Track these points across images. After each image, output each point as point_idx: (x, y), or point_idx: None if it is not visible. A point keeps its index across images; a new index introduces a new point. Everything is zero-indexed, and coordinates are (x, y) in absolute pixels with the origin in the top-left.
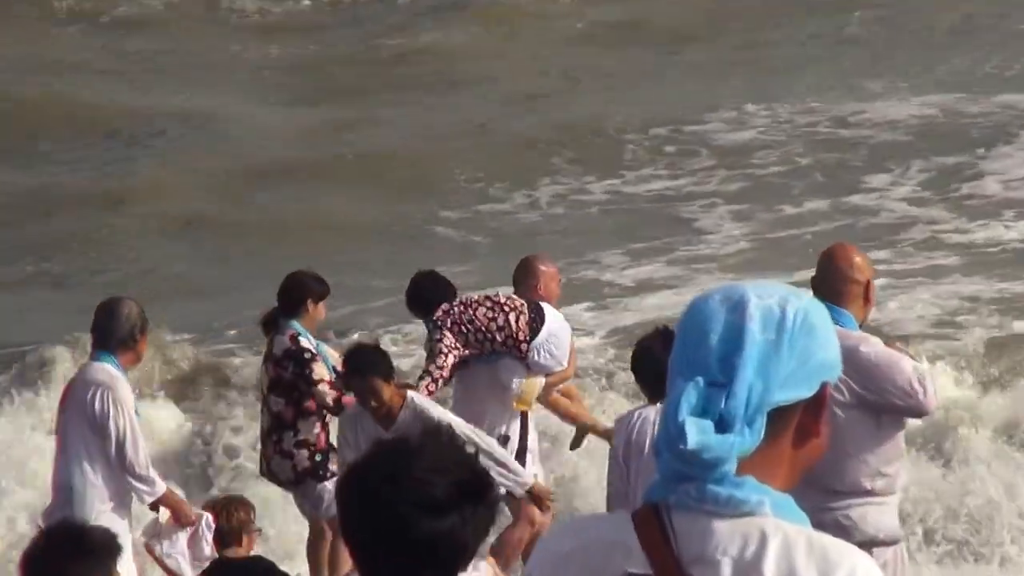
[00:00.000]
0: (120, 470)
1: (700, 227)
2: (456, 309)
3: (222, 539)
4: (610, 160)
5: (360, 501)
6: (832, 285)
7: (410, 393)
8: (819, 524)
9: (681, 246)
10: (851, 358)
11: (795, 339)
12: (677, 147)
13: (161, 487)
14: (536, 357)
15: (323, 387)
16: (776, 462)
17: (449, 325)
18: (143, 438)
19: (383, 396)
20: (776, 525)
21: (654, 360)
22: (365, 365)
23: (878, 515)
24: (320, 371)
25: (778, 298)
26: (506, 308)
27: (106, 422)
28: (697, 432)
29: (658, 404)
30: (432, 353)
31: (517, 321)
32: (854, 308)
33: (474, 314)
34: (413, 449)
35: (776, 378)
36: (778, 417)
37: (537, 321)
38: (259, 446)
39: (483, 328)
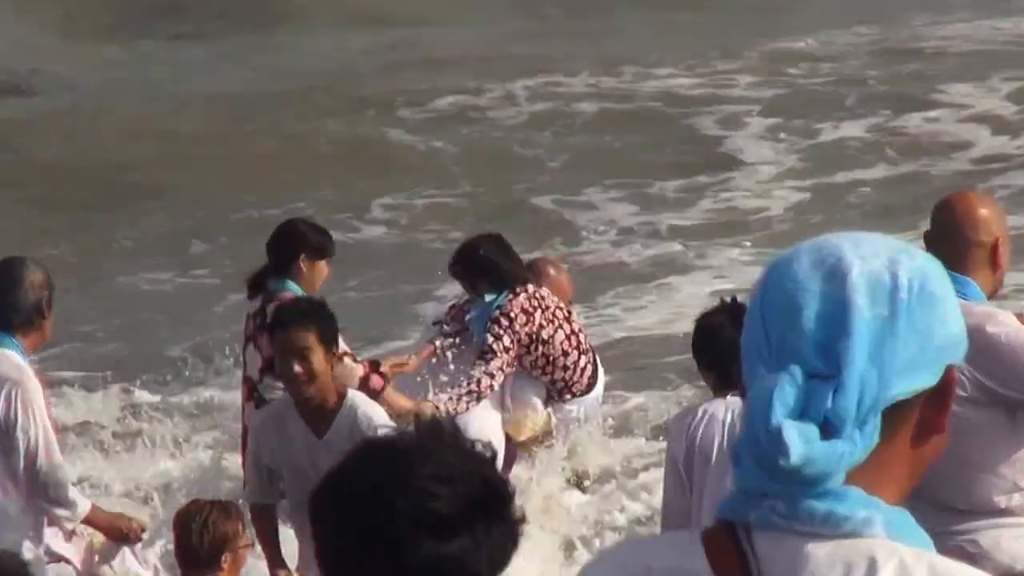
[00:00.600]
0: (30, 491)
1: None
2: (536, 314)
3: (190, 561)
4: None
5: (341, 518)
6: (950, 245)
7: (351, 393)
8: (937, 551)
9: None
10: (976, 340)
11: (913, 313)
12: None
13: (84, 506)
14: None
15: (348, 362)
16: (889, 468)
17: (516, 328)
18: (58, 447)
19: (314, 366)
20: (890, 549)
21: (722, 341)
22: (295, 315)
23: (1013, 541)
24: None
25: (886, 259)
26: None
27: (12, 430)
28: (801, 441)
29: (727, 397)
30: (481, 352)
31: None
32: (979, 276)
33: (553, 334)
34: (411, 450)
35: (893, 366)
36: (894, 413)
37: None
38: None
39: (555, 356)
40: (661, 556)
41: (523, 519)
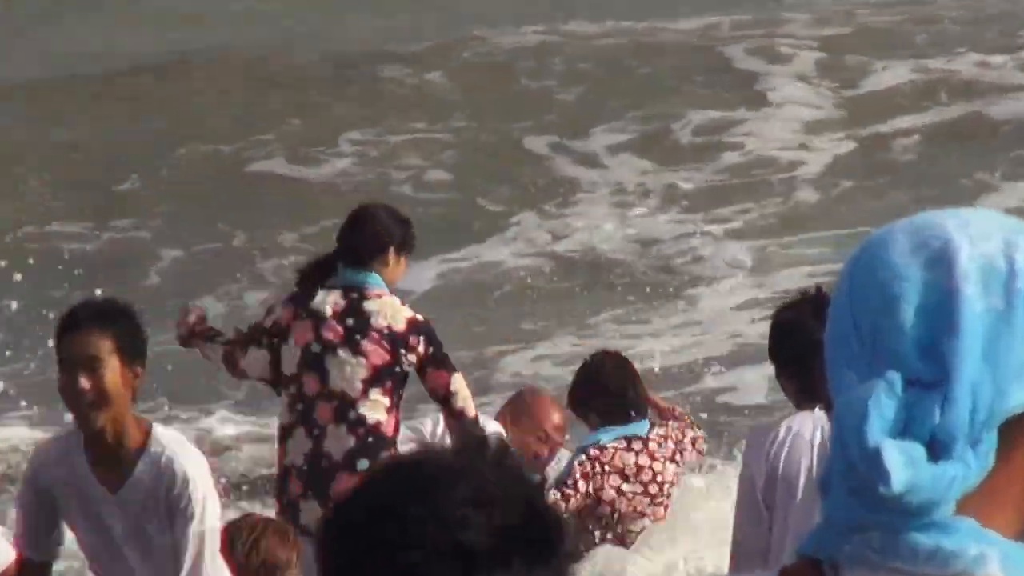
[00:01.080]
0: None
1: None
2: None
3: None
4: None
5: (352, 549)
6: None
7: (157, 428)
8: None
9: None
10: None
11: None
12: None
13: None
14: None
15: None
16: (1006, 494)
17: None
18: None
19: (106, 383)
20: None
21: (806, 341)
22: (88, 315)
23: None
24: None
25: (1000, 241)
26: None
27: None
28: (904, 464)
29: (815, 411)
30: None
31: None
32: None
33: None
34: (442, 468)
35: (1010, 369)
36: (1011, 428)
37: None
38: (291, 490)
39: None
40: None
41: (574, 555)
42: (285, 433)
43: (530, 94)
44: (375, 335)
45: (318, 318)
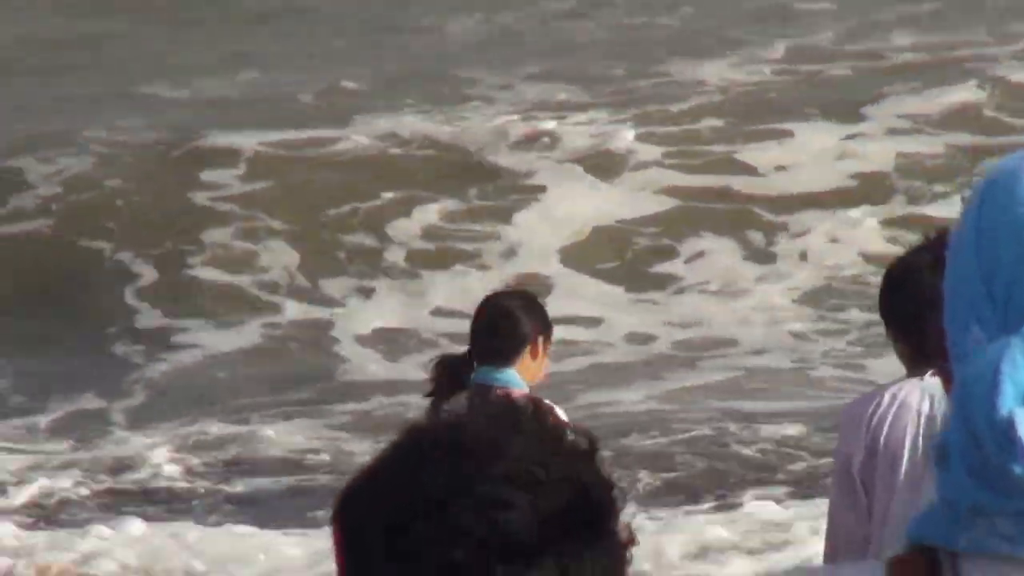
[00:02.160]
0: None
1: None
2: None
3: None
4: None
5: (376, 534)
6: None
7: None
8: None
9: None
10: None
11: None
12: None
13: None
14: None
15: None
16: None
17: None
18: None
19: None
20: None
21: (922, 295)
22: None
23: None
24: None
25: None
26: None
27: None
28: None
29: (925, 378)
30: None
31: None
32: None
33: None
34: (478, 440)
35: None
36: None
37: None
38: None
39: None
40: None
41: (630, 540)
42: None
43: None
44: None
45: None
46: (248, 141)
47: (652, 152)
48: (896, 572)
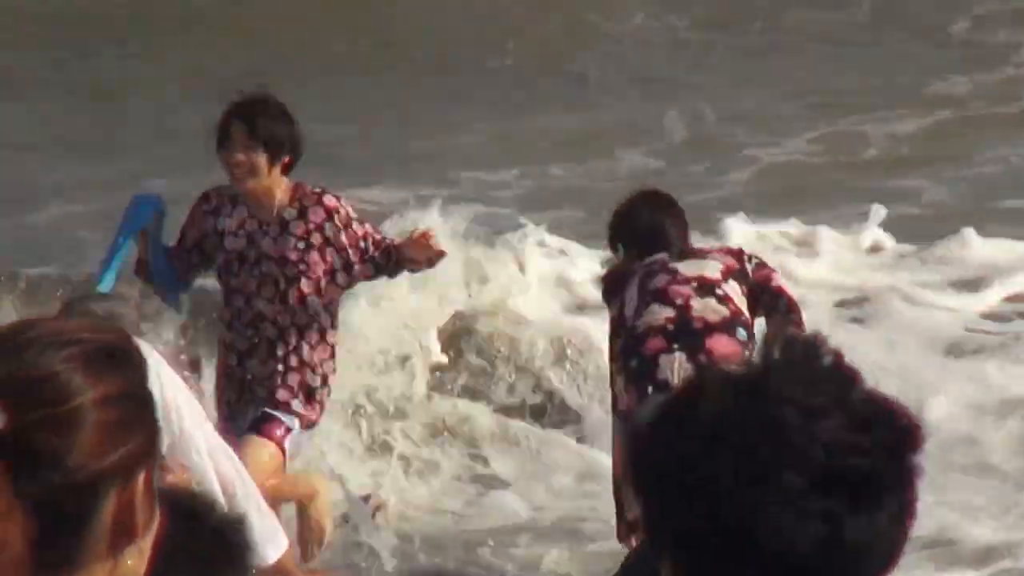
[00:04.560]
0: None
1: None
2: None
3: None
4: None
5: (722, 457)
6: None
7: None
8: None
9: None
10: None
11: None
12: None
13: None
14: None
15: None
16: None
17: None
18: None
19: None
20: None
21: None
22: None
23: None
24: None
25: None
26: None
27: None
28: None
29: None
30: None
31: None
32: None
33: None
34: (807, 387)
35: None
36: None
37: None
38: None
39: None
40: None
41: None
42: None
43: None
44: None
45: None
46: None
47: None
48: None
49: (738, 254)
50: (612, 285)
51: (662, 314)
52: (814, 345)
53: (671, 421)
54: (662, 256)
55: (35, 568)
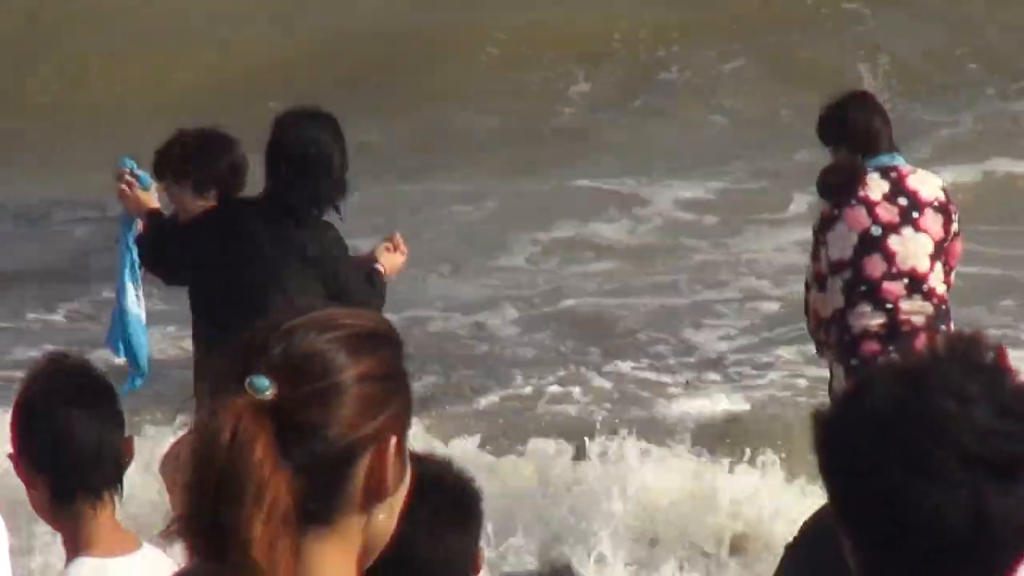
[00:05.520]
0: None
1: None
2: None
3: None
4: None
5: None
6: None
7: None
8: None
9: None
10: None
11: None
12: None
13: None
14: None
15: None
16: None
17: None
18: None
19: None
20: None
21: None
22: None
23: None
24: None
25: None
26: None
27: None
28: None
29: None
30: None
31: None
32: None
33: None
34: (962, 373)
35: None
36: None
37: None
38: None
39: None
40: None
41: None
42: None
43: None
44: (929, 210)
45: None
46: None
47: None
48: None
49: (948, 214)
50: (837, 178)
51: (875, 320)
52: (975, 342)
53: (845, 412)
54: (889, 162)
55: (300, 521)
